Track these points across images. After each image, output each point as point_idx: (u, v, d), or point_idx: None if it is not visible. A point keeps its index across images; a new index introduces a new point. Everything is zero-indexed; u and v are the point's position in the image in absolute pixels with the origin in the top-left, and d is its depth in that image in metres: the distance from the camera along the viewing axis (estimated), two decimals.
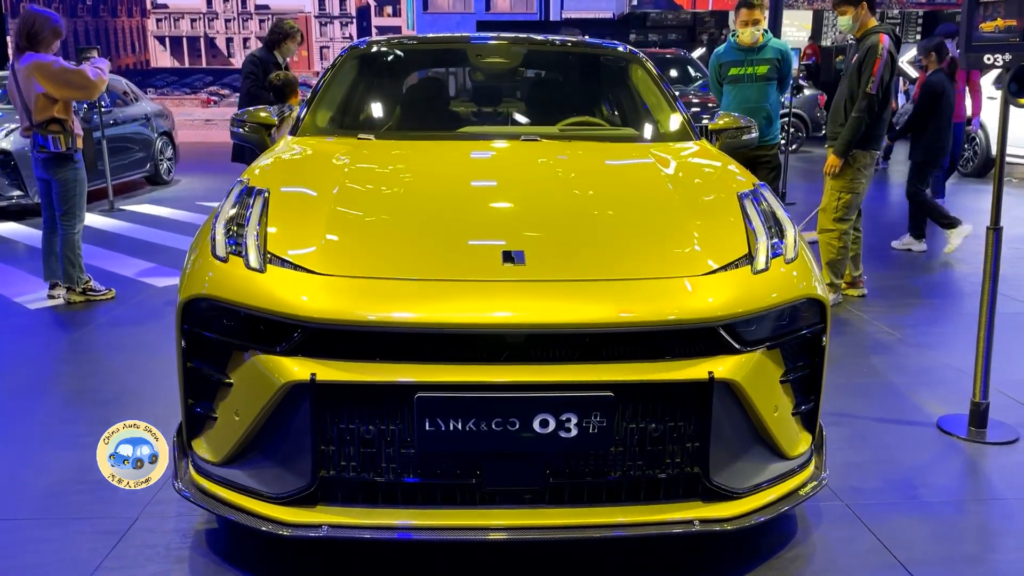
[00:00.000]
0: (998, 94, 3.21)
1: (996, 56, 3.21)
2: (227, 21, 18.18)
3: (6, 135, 8.13)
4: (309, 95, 3.92)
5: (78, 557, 2.60)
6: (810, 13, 18.43)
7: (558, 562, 2.59)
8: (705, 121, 3.92)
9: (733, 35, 5.96)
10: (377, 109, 4.07)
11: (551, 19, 19.58)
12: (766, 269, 2.45)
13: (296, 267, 2.36)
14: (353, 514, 2.30)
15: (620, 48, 4.32)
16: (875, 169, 5.58)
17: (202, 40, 18.22)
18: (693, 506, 2.36)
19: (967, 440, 3.49)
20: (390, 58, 4.35)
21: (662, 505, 2.36)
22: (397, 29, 18.76)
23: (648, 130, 3.85)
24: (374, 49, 4.29)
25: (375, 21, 18.71)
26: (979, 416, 3.53)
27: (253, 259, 2.38)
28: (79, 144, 5.21)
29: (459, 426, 2.18)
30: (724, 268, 2.43)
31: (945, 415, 3.69)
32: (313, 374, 2.20)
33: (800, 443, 2.58)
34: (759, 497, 2.43)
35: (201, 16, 18.10)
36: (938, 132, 6.81)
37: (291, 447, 2.30)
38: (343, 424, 2.27)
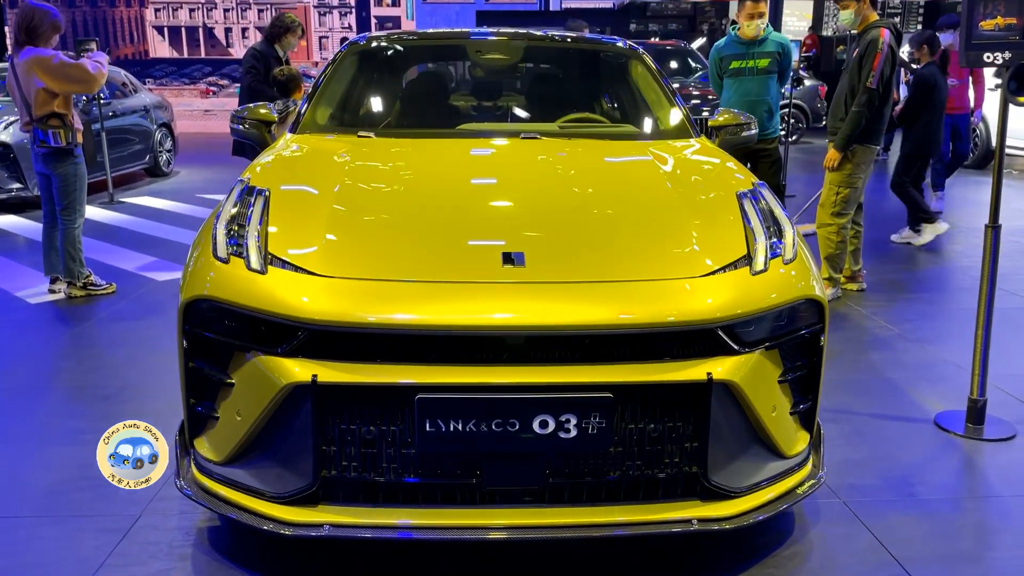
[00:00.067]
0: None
1: (996, 54, 3.21)
2: (226, 11, 18.09)
3: (5, 127, 8.10)
4: (309, 91, 3.91)
5: (81, 555, 2.61)
6: (811, 3, 18.34)
7: (558, 562, 2.61)
8: (705, 115, 3.92)
9: (734, 28, 5.95)
10: (377, 106, 4.07)
11: (551, 9, 19.44)
12: (765, 270, 2.46)
13: (297, 268, 2.37)
14: (354, 514, 2.32)
15: (620, 44, 4.31)
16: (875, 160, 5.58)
17: (201, 30, 18.13)
18: (692, 505, 2.38)
19: (964, 437, 3.50)
20: (389, 54, 4.34)
21: (661, 504, 2.38)
22: (396, 19, 18.65)
23: (647, 127, 3.85)
24: (373, 45, 4.28)
25: (374, 11, 18.60)
26: (977, 413, 3.54)
27: (254, 260, 2.39)
28: (79, 139, 5.20)
29: (459, 427, 2.20)
30: (723, 269, 2.44)
31: (943, 411, 3.70)
32: (315, 375, 2.21)
33: (798, 442, 2.60)
34: (757, 496, 2.44)
35: (200, 6, 18.00)
36: (929, 125, 6.83)
37: (293, 447, 2.32)
38: (344, 425, 2.28)
